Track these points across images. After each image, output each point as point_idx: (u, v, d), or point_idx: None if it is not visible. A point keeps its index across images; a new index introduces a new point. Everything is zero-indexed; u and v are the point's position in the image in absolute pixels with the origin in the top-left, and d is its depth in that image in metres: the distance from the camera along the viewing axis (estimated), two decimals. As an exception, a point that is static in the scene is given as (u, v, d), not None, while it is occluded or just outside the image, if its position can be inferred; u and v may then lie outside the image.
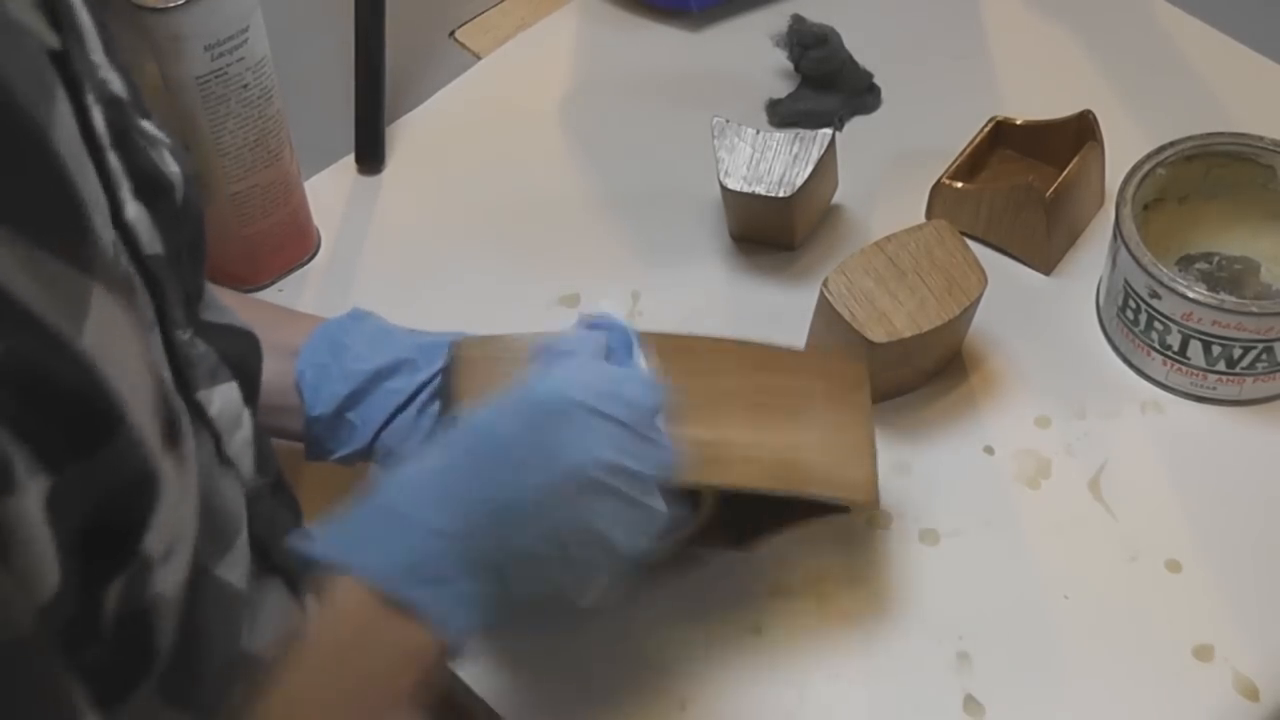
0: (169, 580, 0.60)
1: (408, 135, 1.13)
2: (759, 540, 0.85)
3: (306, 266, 1.05)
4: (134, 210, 0.63)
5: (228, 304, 0.79)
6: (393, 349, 0.83)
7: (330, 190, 1.09)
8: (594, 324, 0.78)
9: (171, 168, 0.69)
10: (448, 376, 0.80)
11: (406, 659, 0.68)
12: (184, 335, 0.67)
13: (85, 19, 0.65)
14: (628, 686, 0.85)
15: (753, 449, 0.80)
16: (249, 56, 0.93)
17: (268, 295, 1.04)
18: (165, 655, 0.60)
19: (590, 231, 1.06)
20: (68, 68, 0.58)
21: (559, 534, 0.69)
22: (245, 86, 0.93)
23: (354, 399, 0.83)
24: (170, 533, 0.59)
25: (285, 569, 0.76)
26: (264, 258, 1.03)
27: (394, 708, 0.68)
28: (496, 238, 1.06)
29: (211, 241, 0.99)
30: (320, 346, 0.84)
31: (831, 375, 0.84)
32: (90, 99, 0.60)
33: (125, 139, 0.64)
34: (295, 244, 1.05)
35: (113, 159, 0.62)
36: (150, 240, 0.64)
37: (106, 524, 0.55)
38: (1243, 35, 1.14)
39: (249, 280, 1.04)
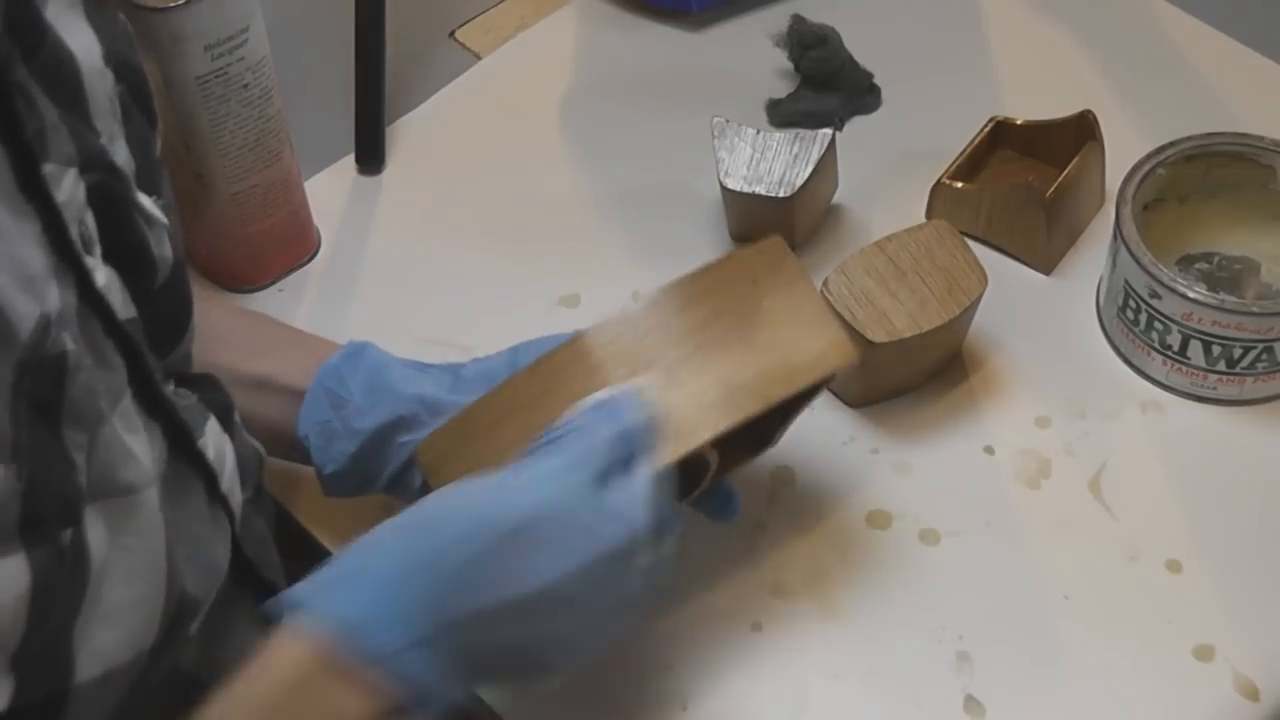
0: None
1: (408, 135, 1.13)
2: (774, 436, 0.85)
3: (307, 266, 1.05)
4: (105, 275, 0.61)
5: (229, 323, 0.79)
6: (392, 402, 0.82)
7: (330, 190, 1.09)
8: (605, 409, 0.72)
9: (164, 252, 0.68)
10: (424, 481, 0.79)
11: None
12: (169, 388, 0.67)
13: (97, 86, 0.63)
14: (629, 686, 0.85)
15: (714, 388, 0.77)
16: (249, 56, 0.93)
17: (268, 295, 1.04)
18: None
19: (590, 231, 1.06)
20: (14, 125, 0.56)
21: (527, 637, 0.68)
22: (245, 86, 0.93)
23: (365, 455, 0.82)
24: None
25: (264, 582, 0.76)
26: (264, 258, 1.03)
27: None
28: (497, 238, 1.06)
29: (212, 241, 1.01)
30: (320, 403, 0.83)
31: (756, 266, 0.80)
32: (53, 164, 0.58)
33: (116, 206, 0.63)
34: (295, 244, 1.05)
35: (89, 222, 0.61)
36: (123, 305, 0.63)
37: None
38: (1243, 35, 1.14)
39: (249, 280, 1.04)
